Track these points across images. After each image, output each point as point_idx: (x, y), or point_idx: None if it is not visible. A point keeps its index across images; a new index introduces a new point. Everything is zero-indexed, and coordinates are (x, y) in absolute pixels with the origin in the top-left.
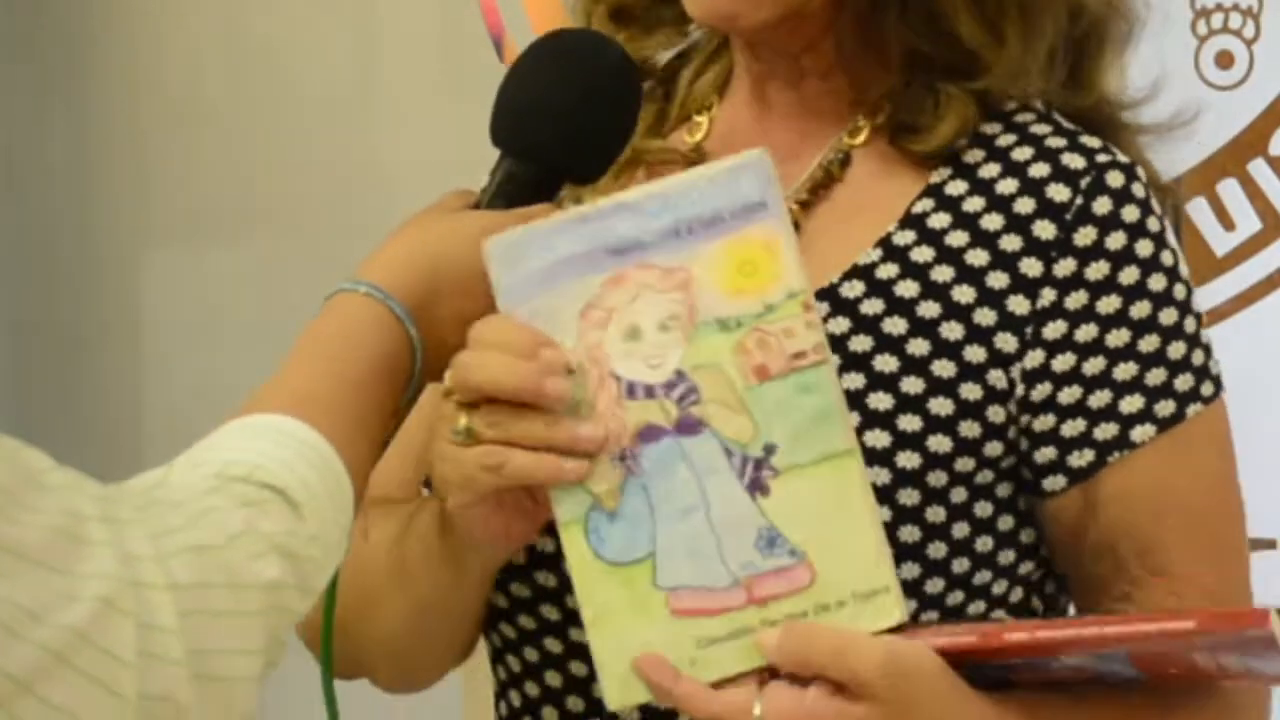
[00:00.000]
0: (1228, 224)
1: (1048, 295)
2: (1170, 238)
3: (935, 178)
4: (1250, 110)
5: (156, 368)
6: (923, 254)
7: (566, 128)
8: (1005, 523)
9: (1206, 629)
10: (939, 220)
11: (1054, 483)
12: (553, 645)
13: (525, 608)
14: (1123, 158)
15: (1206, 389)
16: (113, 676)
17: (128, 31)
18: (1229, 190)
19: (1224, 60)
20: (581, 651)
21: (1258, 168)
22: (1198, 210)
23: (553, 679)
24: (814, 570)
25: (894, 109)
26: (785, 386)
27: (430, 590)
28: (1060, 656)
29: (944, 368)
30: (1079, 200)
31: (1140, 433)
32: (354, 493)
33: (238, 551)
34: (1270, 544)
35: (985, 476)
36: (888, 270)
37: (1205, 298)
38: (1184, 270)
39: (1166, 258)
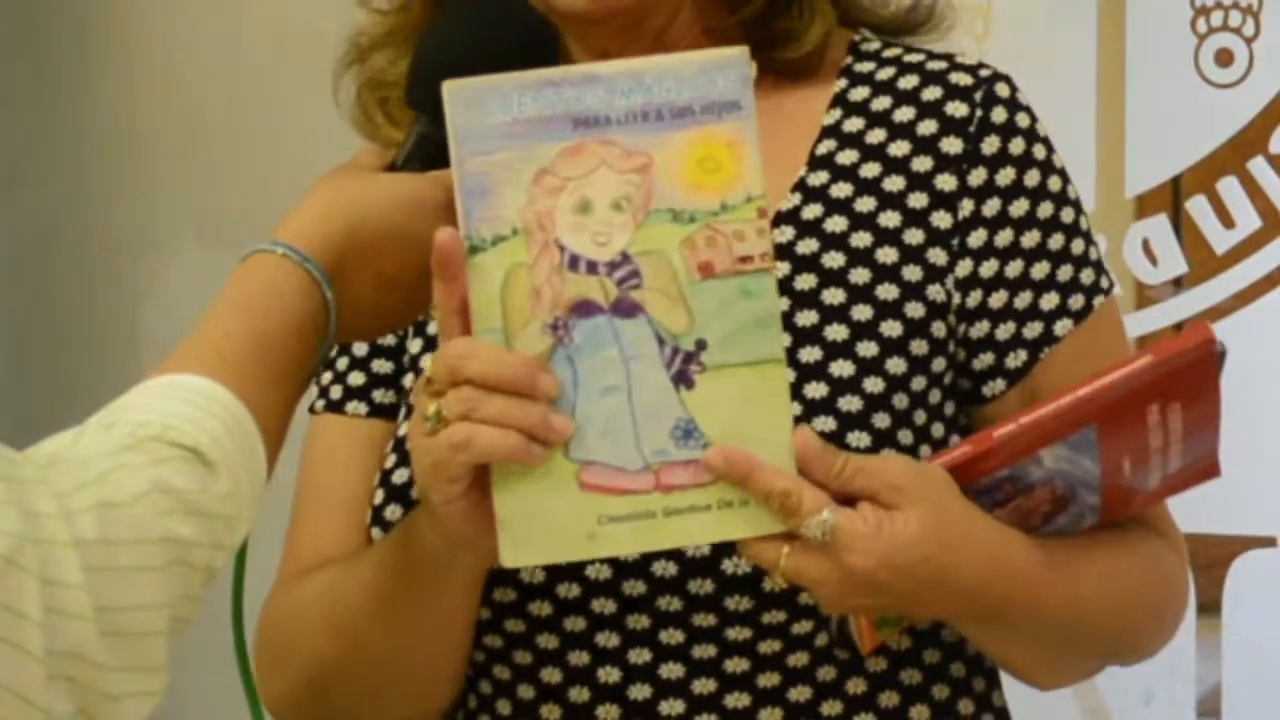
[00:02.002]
0: (1228, 222)
1: (966, 206)
2: (1050, 139)
3: (828, 119)
4: (1250, 108)
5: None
6: (841, 189)
7: None
8: (954, 444)
9: (1160, 358)
10: (847, 157)
11: (993, 387)
12: (550, 676)
13: (520, 642)
14: (998, 69)
15: (1104, 282)
16: (19, 634)
17: (131, 33)
18: (1229, 188)
19: (1223, 58)
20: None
21: (1258, 166)
22: (1198, 208)
23: (550, 714)
24: None
25: (763, 25)
26: (728, 287)
27: (417, 616)
28: (1042, 452)
29: (887, 291)
30: (978, 113)
31: (1061, 327)
32: (266, 452)
33: (145, 508)
34: (1270, 541)
35: (935, 396)
36: (813, 210)
37: (1205, 296)
38: (1067, 171)
39: (1056, 159)
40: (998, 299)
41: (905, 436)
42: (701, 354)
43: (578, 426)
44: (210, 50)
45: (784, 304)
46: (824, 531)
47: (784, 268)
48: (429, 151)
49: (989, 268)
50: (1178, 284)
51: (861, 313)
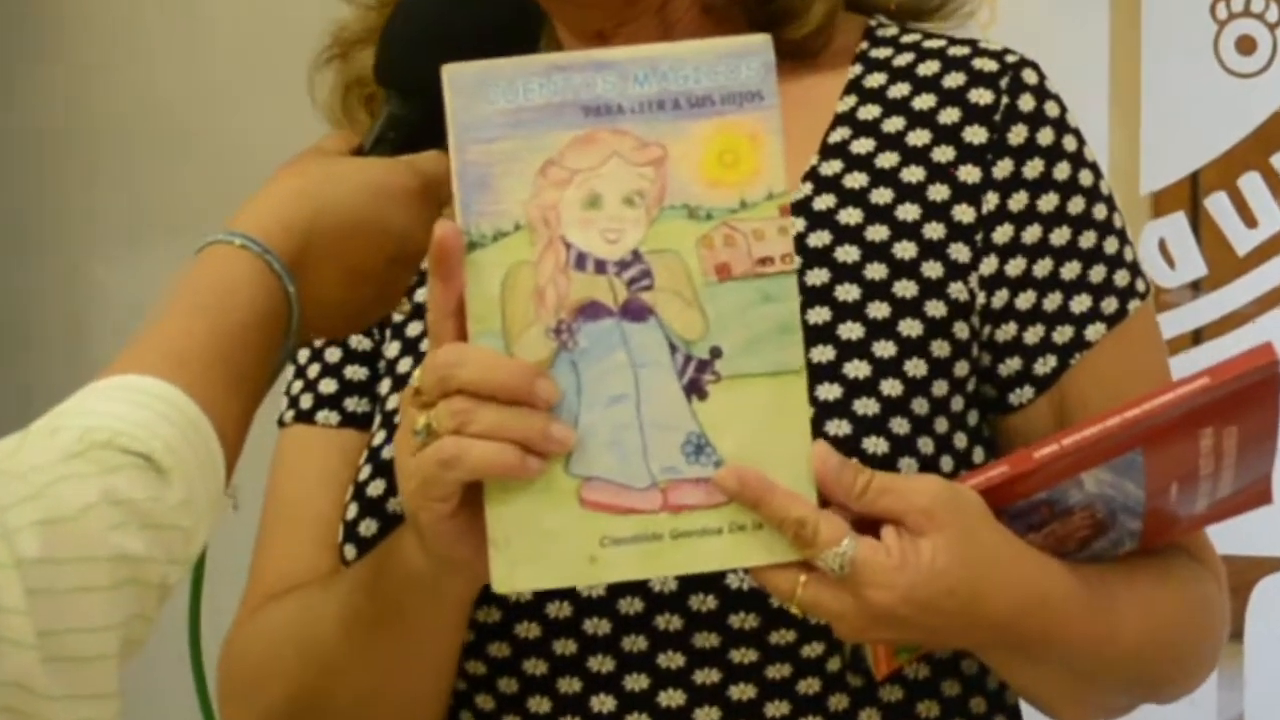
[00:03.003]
0: (1250, 220)
1: (991, 199)
2: (1081, 131)
3: (842, 106)
4: (1273, 99)
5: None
6: (856, 180)
7: (456, 59)
8: (978, 456)
9: (1218, 380)
10: (862, 145)
11: (1020, 395)
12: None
13: (505, 668)
14: (1025, 55)
15: (1140, 285)
16: None
17: (74, 32)
18: (1251, 184)
19: (1245, 45)
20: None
21: None
22: (1218, 206)
23: None
24: None
25: (763, 2)
26: (746, 290)
27: (397, 643)
28: (1083, 475)
29: (906, 288)
30: (1004, 100)
31: (1093, 331)
32: (225, 458)
33: (93, 522)
34: None
35: (958, 403)
36: (825, 201)
37: (1225, 300)
38: (1099, 166)
39: (1088, 151)
40: (1025, 300)
41: (926, 445)
42: (716, 362)
43: (580, 438)
44: (164, 43)
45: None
46: (842, 564)
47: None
48: (400, 133)
49: (1015, 266)
50: (1196, 287)
51: (878, 310)
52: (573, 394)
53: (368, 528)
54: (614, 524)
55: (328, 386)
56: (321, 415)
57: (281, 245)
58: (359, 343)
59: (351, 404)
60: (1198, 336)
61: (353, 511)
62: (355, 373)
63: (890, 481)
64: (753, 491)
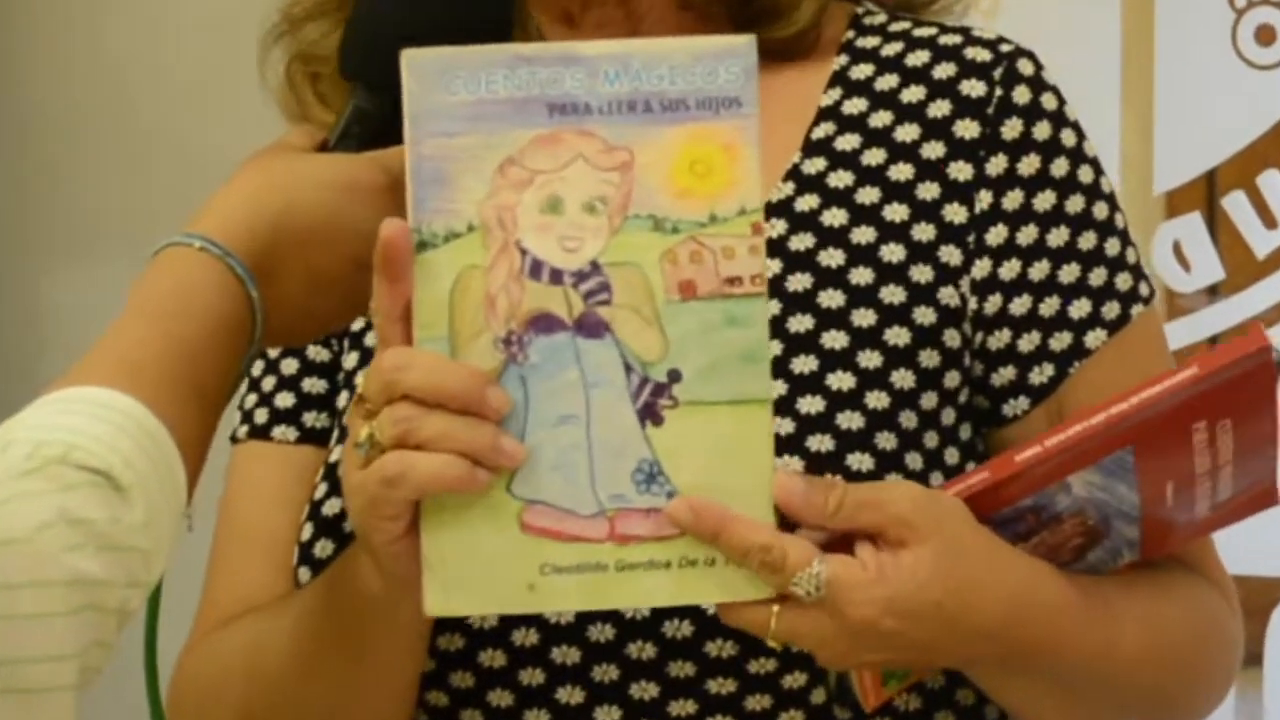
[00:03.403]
0: (1269, 221)
1: (984, 198)
2: (1081, 125)
3: (826, 100)
4: None
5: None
6: (841, 178)
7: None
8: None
9: (1207, 370)
10: (847, 142)
11: (1015, 406)
12: None
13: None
14: (1021, 44)
15: (1144, 289)
16: None
17: (28, 40)
18: (1271, 183)
19: (1265, 36)
20: None
21: None
22: (1235, 206)
23: None
24: None
25: (746, 0)
26: (711, 311)
27: (354, 669)
28: (1070, 478)
29: (893, 293)
30: (998, 92)
31: (1093, 338)
32: (186, 473)
33: (48, 543)
34: None
35: (949, 416)
36: (808, 202)
37: (1243, 304)
38: (1099, 160)
39: (1088, 147)
40: (1020, 305)
41: (914, 461)
42: (674, 387)
43: (525, 458)
44: (122, 45)
45: (774, 307)
46: (817, 585)
47: (775, 266)
48: (366, 128)
49: (1010, 269)
50: (1213, 292)
51: (863, 318)
52: (519, 410)
53: (323, 548)
54: (556, 551)
55: (284, 400)
56: (278, 431)
57: (244, 247)
58: (317, 354)
59: (310, 419)
60: (1214, 344)
61: (308, 532)
62: (313, 385)
63: (866, 494)
64: (709, 523)
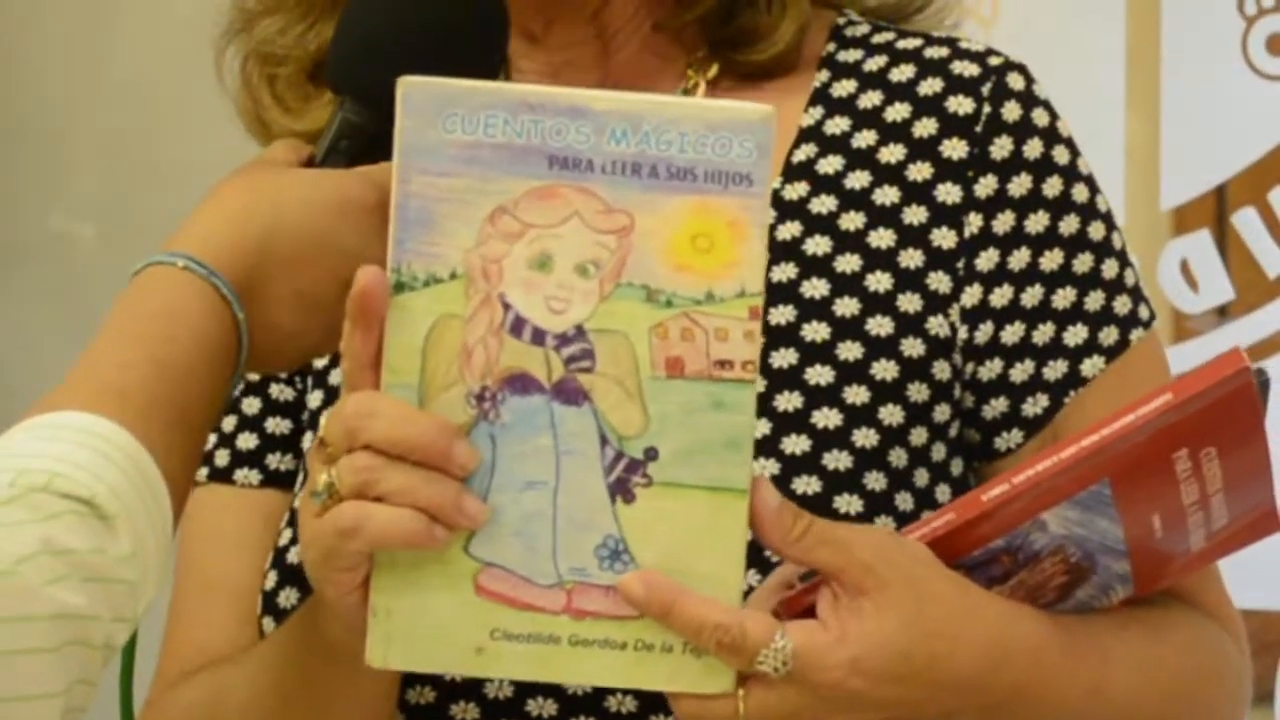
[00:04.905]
0: None
1: (974, 221)
2: (1075, 141)
3: (807, 120)
4: None
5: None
6: (823, 204)
7: (417, 62)
8: None
9: (1182, 397)
10: (830, 164)
11: (1008, 439)
12: None
13: None
14: (1011, 57)
15: (1144, 312)
16: None
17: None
18: None
19: (1276, 45)
20: None
21: None
22: (1246, 223)
23: None
24: None
25: (724, 21)
26: (696, 392)
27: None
28: (1045, 515)
29: (880, 325)
30: (986, 109)
31: (1090, 366)
32: (172, 503)
33: (31, 575)
34: None
35: (939, 452)
36: (789, 229)
37: (1255, 326)
38: (1096, 179)
39: (1082, 164)
40: (1012, 333)
41: (904, 501)
42: (650, 465)
43: (487, 519)
44: (82, 54)
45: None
46: (784, 660)
47: None
48: (355, 143)
49: (1001, 295)
50: (1223, 313)
51: (849, 351)
52: (485, 470)
53: (287, 598)
54: (509, 618)
55: (247, 441)
56: (240, 474)
57: (229, 267)
58: (280, 393)
59: (274, 461)
60: None
61: (272, 580)
62: (277, 426)
63: (830, 531)
64: (661, 600)
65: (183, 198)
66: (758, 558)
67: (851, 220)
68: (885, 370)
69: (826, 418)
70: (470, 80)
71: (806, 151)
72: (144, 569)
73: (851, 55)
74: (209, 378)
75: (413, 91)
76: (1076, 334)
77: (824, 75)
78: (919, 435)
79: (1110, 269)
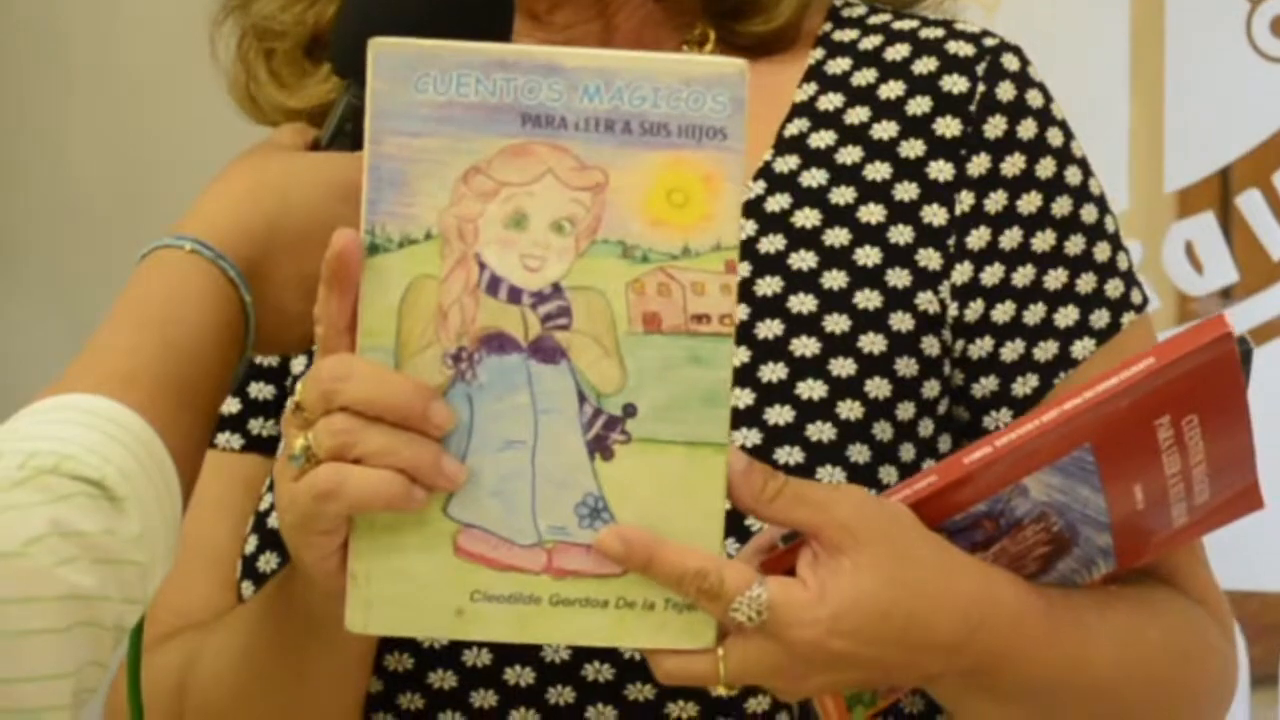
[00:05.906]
0: None
1: (965, 199)
2: (1069, 125)
3: (800, 95)
4: None
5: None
6: (814, 177)
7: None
8: None
9: (1164, 360)
10: (821, 139)
11: (997, 418)
12: None
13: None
14: (1006, 39)
15: (1136, 296)
16: None
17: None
18: None
19: None
20: None
21: None
22: (1250, 204)
23: None
24: None
25: None
26: (674, 347)
27: (295, 688)
28: (1026, 480)
29: (868, 298)
30: (980, 89)
31: (1080, 348)
32: (181, 485)
33: (41, 557)
34: None
35: (926, 427)
36: (779, 202)
37: (1260, 307)
38: (1090, 164)
39: (1075, 146)
40: (1003, 312)
41: (888, 474)
42: (628, 421)
43: (466, 480)
44: (83, 53)
45: (743, 311)
46: (759, 609)
47: (744, 268)
48: (360, 126)
49: (992, 274)
50: (1227, 295)
51: (836, 324)
52: (463, 430)
53: (267, 562)
54: (489, 579)
55: (229, 406)
56: (222, 438)
57: (236, 250)
58: (265, 358)
59: (256, 426)
60: None
61: (252, 544)
62: (261, 391)
63: (807, 490)
64: (640, 553)
65: (183, 197)
66: (737, 526)
67: (842, 195)
68: (872, 344)
69: (811, 389)
70: (441, 40)
71: (799, 125)
72: (153, 550)
73: (847, 35)
74: (216, 360)
75: (384, 53)
76: (1067, 315)
77: (819, 53)
78: (905, 409)
79: (1103, 252)
